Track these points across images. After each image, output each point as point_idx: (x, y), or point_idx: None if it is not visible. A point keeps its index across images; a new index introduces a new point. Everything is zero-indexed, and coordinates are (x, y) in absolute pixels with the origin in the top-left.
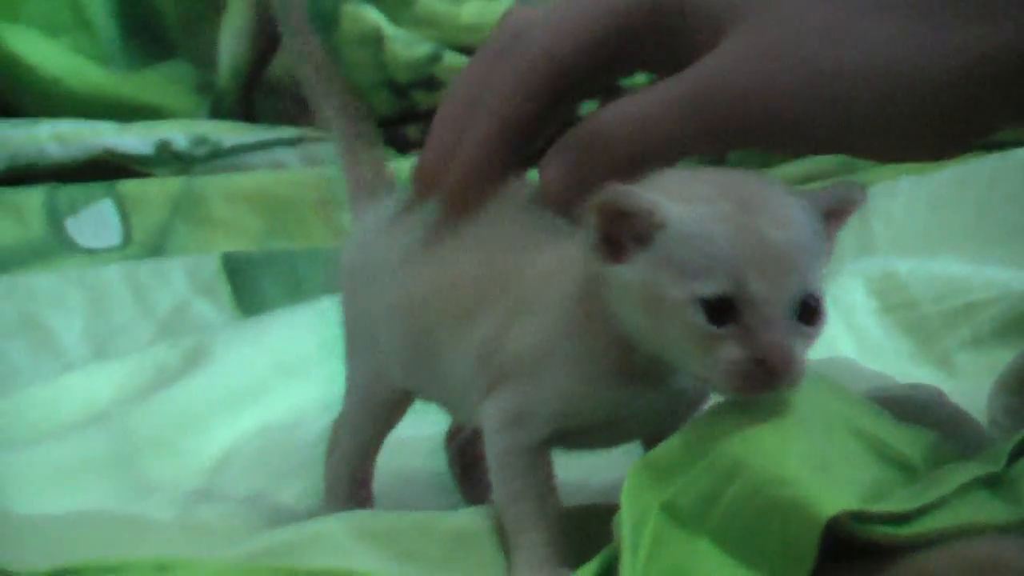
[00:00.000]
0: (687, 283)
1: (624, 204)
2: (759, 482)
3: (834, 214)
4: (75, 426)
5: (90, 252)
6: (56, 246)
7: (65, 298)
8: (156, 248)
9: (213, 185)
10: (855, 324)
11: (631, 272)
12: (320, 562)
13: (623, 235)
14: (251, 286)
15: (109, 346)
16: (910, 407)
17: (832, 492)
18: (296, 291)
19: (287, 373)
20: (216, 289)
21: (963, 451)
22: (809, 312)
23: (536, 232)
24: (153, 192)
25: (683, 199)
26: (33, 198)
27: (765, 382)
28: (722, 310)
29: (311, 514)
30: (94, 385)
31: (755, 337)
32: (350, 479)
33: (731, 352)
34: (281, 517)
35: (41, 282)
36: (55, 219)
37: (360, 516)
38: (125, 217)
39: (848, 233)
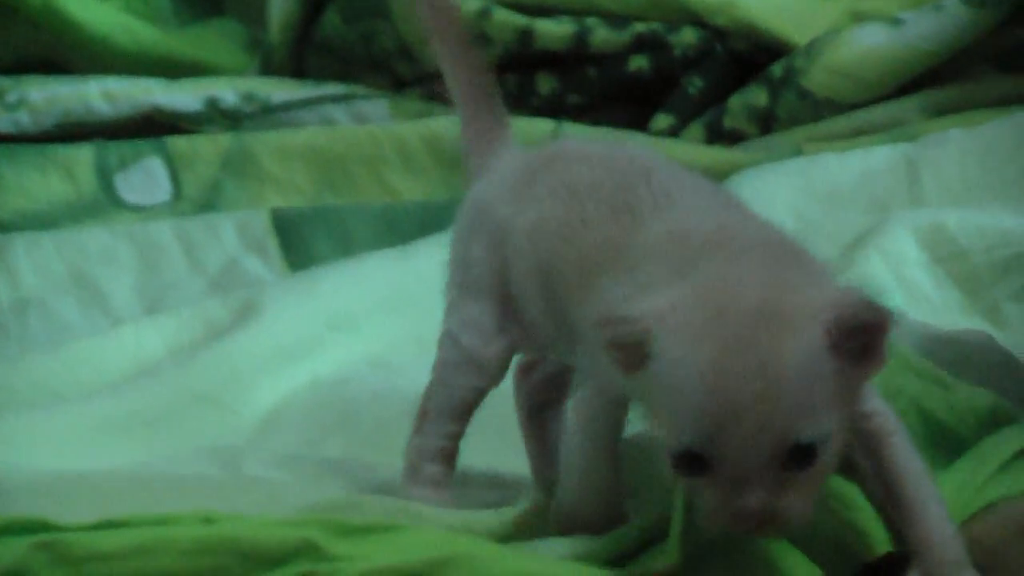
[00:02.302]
0: (664, 428)
1: (619, 335)
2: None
3: (856, 334)
4: (124, 381)
5: (139, 209)
6: (105, 203)
7: (115, 255)
8: (206, 205)
9: (262, 142)
10: (904, 276)
11: (637, 387)
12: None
13: (631, 356)
14: (301, 242)
15: (159, 303)
16: (962, 351)
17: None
18: (346, 247)
19: (336, 328)
20: (266, 245)
21: (1016, 401)
22: (801, 456)
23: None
24: (203, 149)
25: (676, 331)
26: (82, 155)
27: (746, 532)
28: (693, 464)
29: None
30: (143, 340)
31: (726, 495)
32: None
33: (709, 499)
34: (329, 472)
35: (91, 239)
36: (104, 176)
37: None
38: (174, 174)
39: (898, 185)
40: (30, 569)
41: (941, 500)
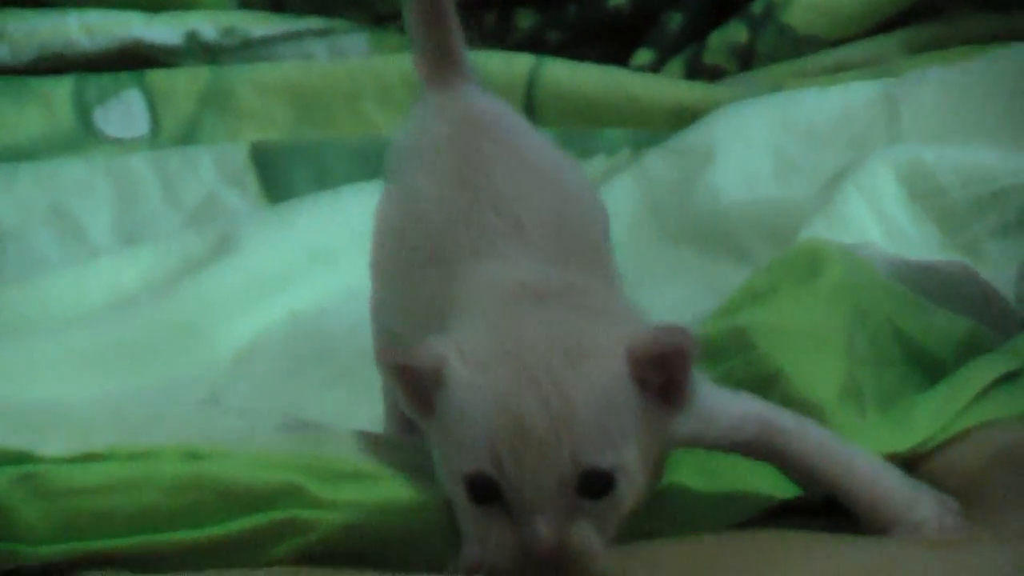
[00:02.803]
0: (456, 455)
1: (408, 362)
2: (795, 400)
3: (659, 360)
4: (101, 313)
5: (118, 142)
6: (84, 136)
7: (93, 188)
8: (184, 138)
9: (242, 76)
10: (883, 211)
11: (430, 430)
12: (343, 455)
13: (427, 391)
14: (279, 176)
15: (137, 236)
16: (939, 280)
17: (858, 435)
18: (324, 181)
19: (314, 261)
20: (244, 179)
21: (994, 331)
22: (596, 485)
23: None
24: (181, 83)
25: (472, 359)
26: (61, 88)
27: (534, 570)
28: (486, 489)
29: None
30: (120, 272)
31: (516, 522)
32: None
33: (498, 534)
34: (308, 403)
35: (69, 171)
36: (83, 109)
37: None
38: (153, 108)
39: (877, 121)
40: (8, 501)
41: (862, 456)
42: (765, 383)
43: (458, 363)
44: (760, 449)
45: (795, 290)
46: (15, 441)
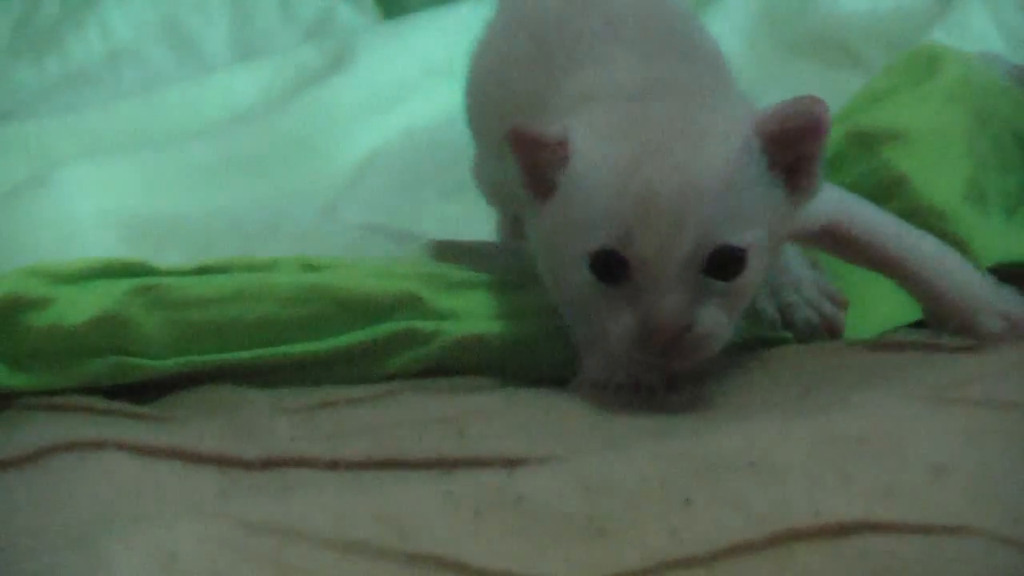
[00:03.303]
0: (581, 232)
1: (533, 132)
2: (919, 207)
3: (789, 135)
4: (217, 126)
5: None
6: None
7: (208, 4)
8: None
9: None
10: (1002, 19)
11: (547, 212)
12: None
13: (547, 170)
14: None
15: (253, 51)
16: None
17: (986, 238)
18: None
19: (432, 75)
20: None
21: None
22: (726, 264)
23: None
24: None
25: (598, 133)
26: None
27: (658, 351)
28: (612, 266)
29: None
30: (237, 86)
31: (641, 299)
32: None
33: (623, 316)
34: (424, 216)
35: None
36: None
37: None
38: None
39: None
40: (127, 313)
41: (937, 250)
42: (889, 189)
43: (584, 136)
44: (839, 240)
45: (914, 91)
46: (134, 253)
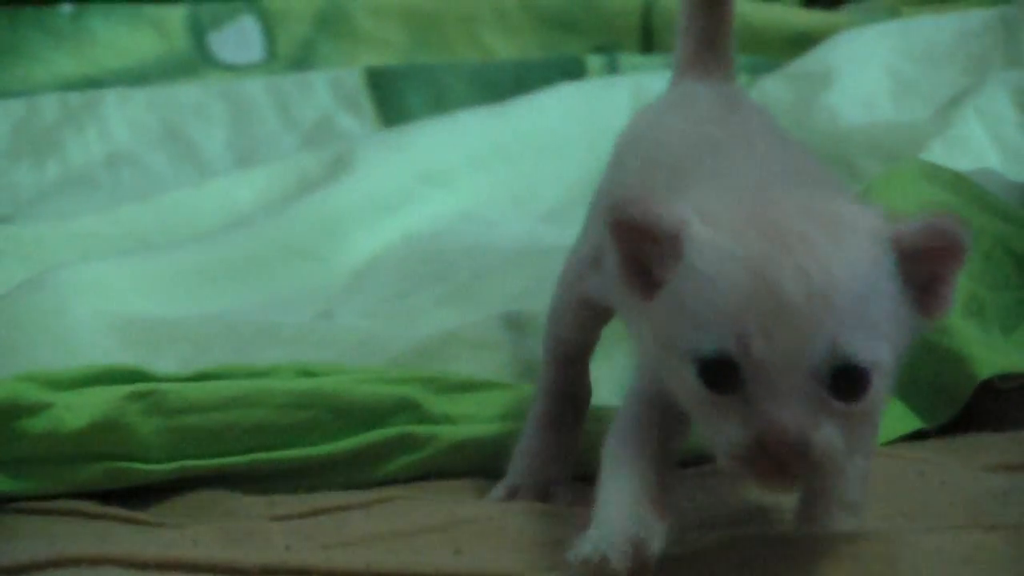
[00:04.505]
0: (691, 334)
1: (642, 219)
2: None
3: (927, 254)
4: (215, 232)
5: (233, 67)
6: (199, 61)
7: (208, 111)
8: (299, 63)
9: (357, 0)
10: (1001, 135)
11: (652, 310)
12: (456, 367)
13: (653, 264)
14: (394, 99)
15: (252, 158)
16: None
17: (987, 352)
18: (440, 104)
19: (430, 183)
20: (359, 102)
21: None
22: (850, 383)
23: None
24: (296, 7)
25: (717, 222)
26: (176, 13)
27: (770, 472)
28: (724, 374)
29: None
30: (236, 191)
31: (756, 412)
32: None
33: (733, 430)
34: (421, 323)
35: (184, 94)
36: (198, 34)
37: None
38: (268, 32)
39: (995, 45)
40: (124, 418)
41: None
42: None
43: (702, 226)
44: None
45: (901, 206)
46: (130, 358)
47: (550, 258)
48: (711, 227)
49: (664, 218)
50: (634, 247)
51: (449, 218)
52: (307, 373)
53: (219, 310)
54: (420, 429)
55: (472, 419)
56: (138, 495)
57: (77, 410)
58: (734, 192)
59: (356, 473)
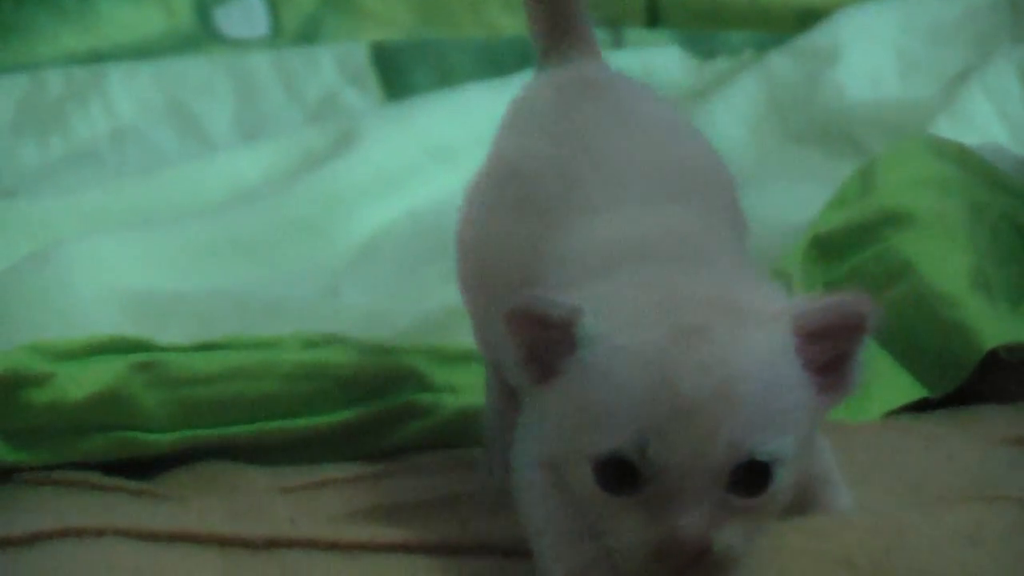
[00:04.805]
0: (586, 433)
1: (537, 310)
2: (926, 292)
3: (830, 333)
4: (220, 207)
5: (238, 43)
6: (204, 36)
7: (213, 85)
8: (304, 38)
9: None
10: (1007, 111)
11: (547, 399)
12: (460, 340)
13: (549, 353)
14: (400, 75)
15: (256, 133)
16: None
17: (993, 324)
18: (444, 80)
19: (435, 158)
20: (365, 78)
21: None
22: (753, 478)
23: None
24: None
25: (613, 315)
26: None
27: (670, 572)
28: (621, 475)
29: None
30: (241, 166)
31: (654, 515)
32: None
33: (631, 534)
34: (426, 298)
35: (189, 69)
36: (203, 9)
37: None
38: (273, 7)
39: (1001, 22)
40: (128, 389)
41: None
42: (894, 276)
43: (598, 319)
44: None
45: (908, 180)
46: (135, 330)
47: None
48: (606, 319)
49: (557, 308)
50: (529, 336)
51: (454, 193)
52: (311, 344)
53: (224, 285)
54: (424, 398)
55: (474, 388)
56: (143, 467)
57: (81, 381)
58: (630, 272)
59: (361, 444)
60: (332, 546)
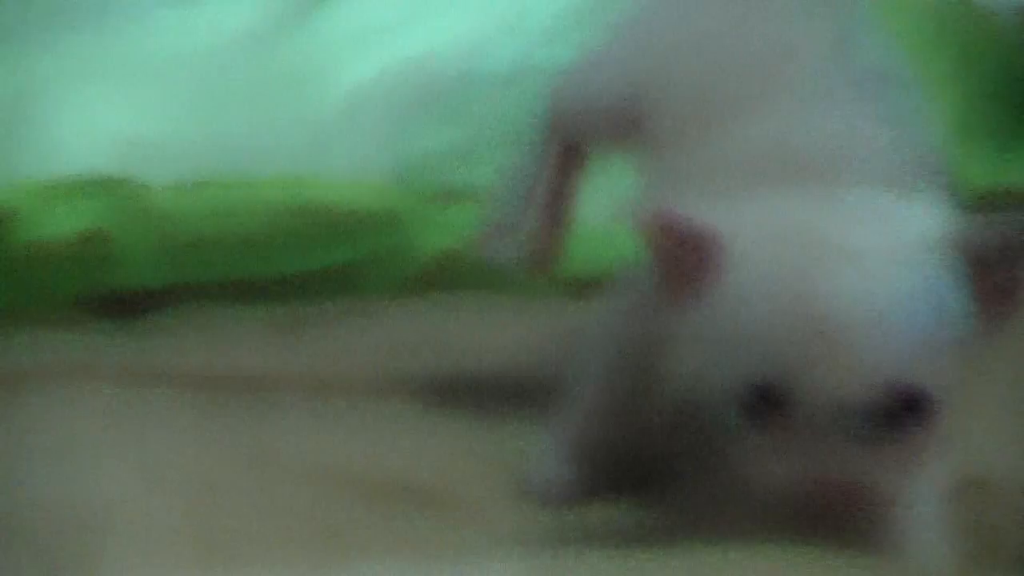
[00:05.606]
0: (727, 359)
1: (681, 222)
2: None
3: (1000, 257)
4: (207, 55)
5: None
6: None
7: None
8: None
9: None
10: None
11: (687, 320)
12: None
13: (690, 273)
14: None
15: None
16: None
17: (976, 168)
18: None
19: (428, 3)
20: None
21: None
22: (909, 414)
23: None
24: None
25: (756, 233)
26: None
27: (810, 514)
28: (763, 403)
29: None
30: (228, 14)
31: (801, 451)
32: None
33: (771, 466)
34: (420, 143)
35: None
36: None
37: None
38: None
39: None
40: (110, 227)
41: None
42: None
43: (746, 237)
44: None
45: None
46: (119, 170)
47: (543, 81)
48: (752, 240)
49: (701, 227)
50: (669, 252)
51: (444, 43)
52: (297, 183)
53: (212, 132)
54: (408, 238)
55: (458, 229)
56: (126, 308)
57: (62, 220)
58: (782, 184)
59: (348, 285)
60: (317, 385)
